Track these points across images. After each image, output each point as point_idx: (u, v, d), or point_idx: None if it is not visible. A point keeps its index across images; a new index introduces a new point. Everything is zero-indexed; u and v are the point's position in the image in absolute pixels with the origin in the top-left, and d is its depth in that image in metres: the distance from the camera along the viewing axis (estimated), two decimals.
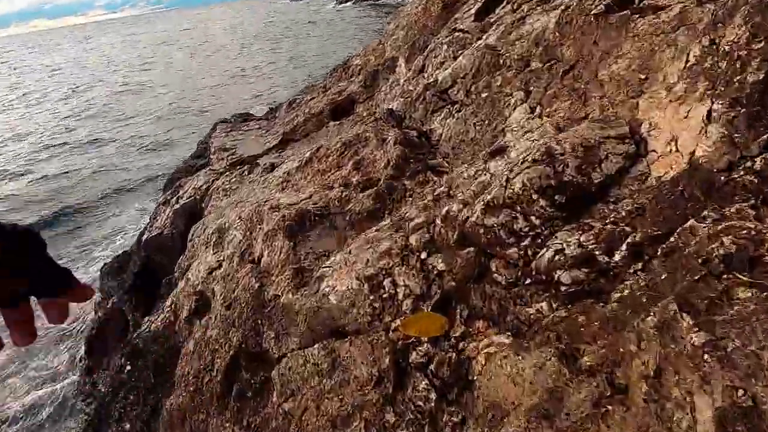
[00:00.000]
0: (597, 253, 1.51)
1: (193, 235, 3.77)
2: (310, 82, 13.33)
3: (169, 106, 15.57)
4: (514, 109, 2.42)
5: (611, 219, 1.59)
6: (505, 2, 3.51)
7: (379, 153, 2.79)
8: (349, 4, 49.88)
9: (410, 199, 2.50)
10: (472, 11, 3.86)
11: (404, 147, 2.74)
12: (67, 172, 10.44)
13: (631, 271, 1.41)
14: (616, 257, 1.47)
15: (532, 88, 2.43)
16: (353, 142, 3.00)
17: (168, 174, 7.76)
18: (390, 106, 3.58)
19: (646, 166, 1.74)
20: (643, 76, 1.96)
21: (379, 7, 43.11)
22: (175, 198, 4.60)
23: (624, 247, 1.47)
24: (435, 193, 2.35)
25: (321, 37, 28.96)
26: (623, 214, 1.58)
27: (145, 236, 4.54)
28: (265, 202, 2.98)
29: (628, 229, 1.51)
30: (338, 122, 4.66)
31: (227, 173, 4.04)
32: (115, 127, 13.84)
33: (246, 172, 3.76)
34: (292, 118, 4.92)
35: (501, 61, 2.73)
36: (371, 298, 1.90)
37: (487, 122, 2.57)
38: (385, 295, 1.88)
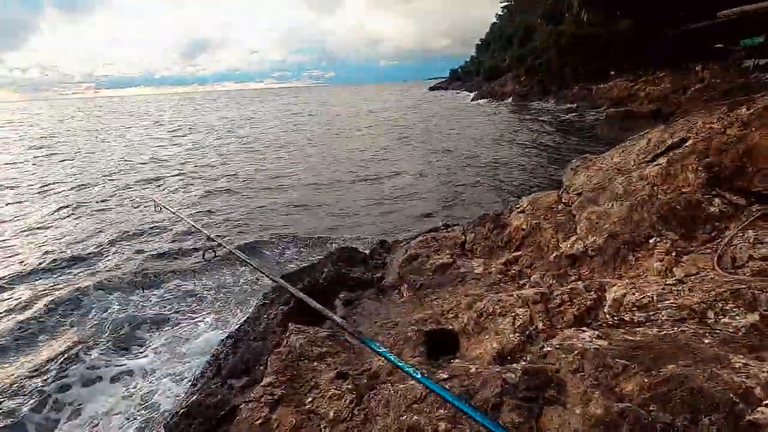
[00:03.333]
0: None
1: None
2: (439, 199, 10.93)
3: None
4: None
5: None
6: None
7: None
8: (483, 101, 49.66)
9: None
10: None
11: None
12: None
13: None
14: None
15: None
16: None
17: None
18: None
19: None
20: None
21: (521, 108, 41.52)
22: None
23: None
24: None
25: (450, 126, 27.80)
26: None
27: None
28: None
29: None
30: None
31: None
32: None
33: None
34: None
35: None
36: None
37: None
38: None
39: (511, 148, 19.84)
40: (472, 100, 53.06)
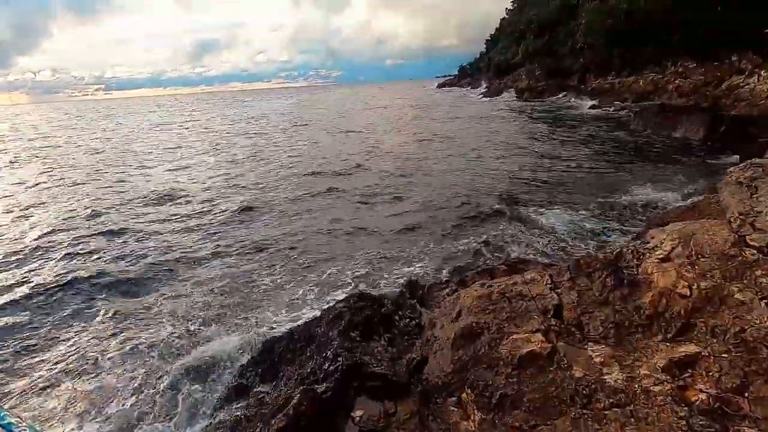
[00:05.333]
0: None
1: None
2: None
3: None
4: None
5: None
6: None
7: None
8: (497, 98, 47.44)
9: None
10: None
11: None
12: None
13: None
14: None
15: None
16: None
17: None
18: None
19: None
20: None
21: (539, 104, 39.03)
22: None
23: None
24: None
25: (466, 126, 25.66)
26: None
27: None
28: None
29: None
30: None
31: None
32: None
33: None
34: None
35: None
36: None
37: None
38: None
39: (540, 149, 17.58)
40: (485, 96, 50.66)
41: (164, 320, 5.60)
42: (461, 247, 7.20)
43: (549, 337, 2.94)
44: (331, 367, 3.07)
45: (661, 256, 3.01)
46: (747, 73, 27.17)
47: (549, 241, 7.17)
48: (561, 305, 3.22)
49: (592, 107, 32.00)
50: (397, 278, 6.21)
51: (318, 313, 4.68)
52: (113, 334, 5.39)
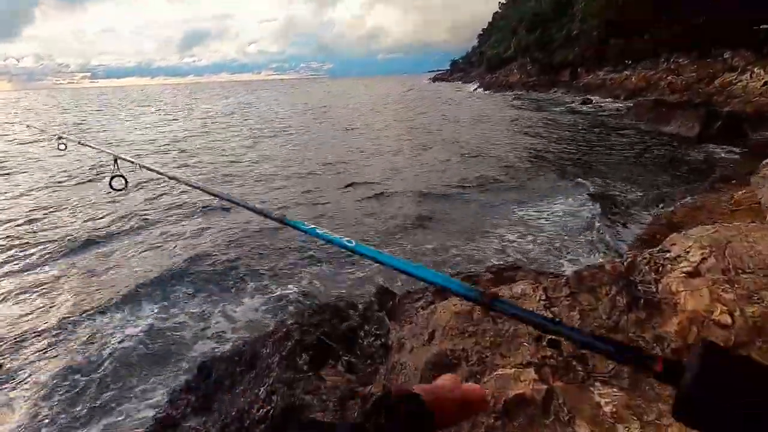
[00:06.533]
0: None
1: None
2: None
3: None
4: None
5: None
6: None
7: None
8: (488, 92, 46.82)
9: None
10: None
11: None
12: None
13: None
14: None
15: None
16: None
17: None
18: None
19: None
20: None
21: (530, 99, 38.56)
22: None
23: None
24: None
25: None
26: None
27: None
28: None
29: None
30: None
31: None
32: None
33: None
34: None
35: None
36: None
37: None
38: None
39: (532, 141, 17.00)
40: (476, 89, 50.09)
41: None
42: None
43: (543, 374, 2.26)
44: (260, 412, 2.36)
45: (688, 269, 2.34)
46: (739, 70, 26.82)
47: (533, 238, 6.59)
48: None
49: (584, 102, 31.56)
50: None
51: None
52: None
